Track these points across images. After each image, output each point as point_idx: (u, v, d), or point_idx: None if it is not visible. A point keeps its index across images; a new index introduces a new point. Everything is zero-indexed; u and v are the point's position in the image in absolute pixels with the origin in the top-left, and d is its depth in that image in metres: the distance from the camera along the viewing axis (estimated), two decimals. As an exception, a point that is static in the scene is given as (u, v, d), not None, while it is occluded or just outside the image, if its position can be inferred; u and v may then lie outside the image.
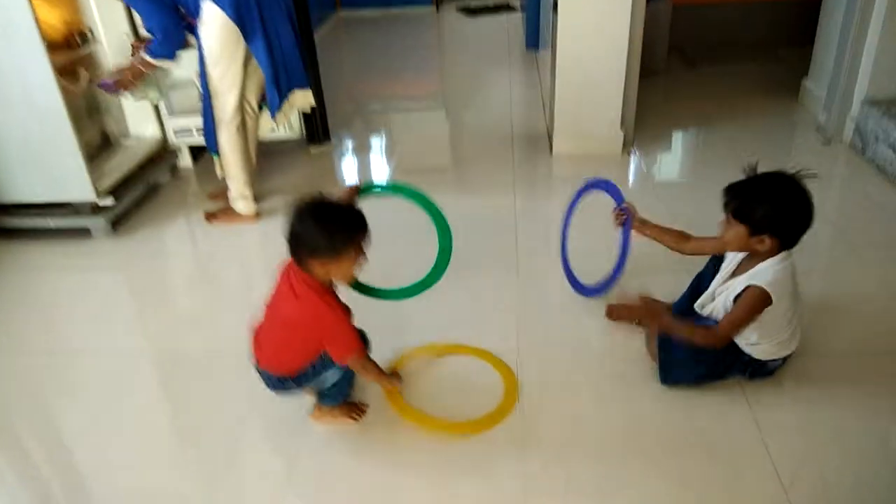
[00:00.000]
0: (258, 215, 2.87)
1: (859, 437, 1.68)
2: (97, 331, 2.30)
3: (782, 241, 1.63)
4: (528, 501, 1.56)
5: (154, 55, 2.55)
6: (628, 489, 1.58)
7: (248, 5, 2.43)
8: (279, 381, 1.66)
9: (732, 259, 1.78)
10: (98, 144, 3.11)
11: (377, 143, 3.90)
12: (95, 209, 2.81)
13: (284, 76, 2.63)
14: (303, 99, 2.79)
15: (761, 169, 1.67)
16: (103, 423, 1.88)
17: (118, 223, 2.92)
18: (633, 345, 2.01)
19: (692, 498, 1.55)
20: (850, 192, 2.90)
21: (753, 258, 1.69)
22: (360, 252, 1.55)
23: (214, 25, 2.45)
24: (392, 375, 1.85)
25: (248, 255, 2.75)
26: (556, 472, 1.62)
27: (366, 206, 1.68)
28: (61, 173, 2.70)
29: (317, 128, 3.54)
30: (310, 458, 1.71)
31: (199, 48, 2.51)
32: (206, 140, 2.75)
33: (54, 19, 2.86)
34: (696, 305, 1.85)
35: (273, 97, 2.63)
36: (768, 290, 1.63)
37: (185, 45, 2.61)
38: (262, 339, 1.66)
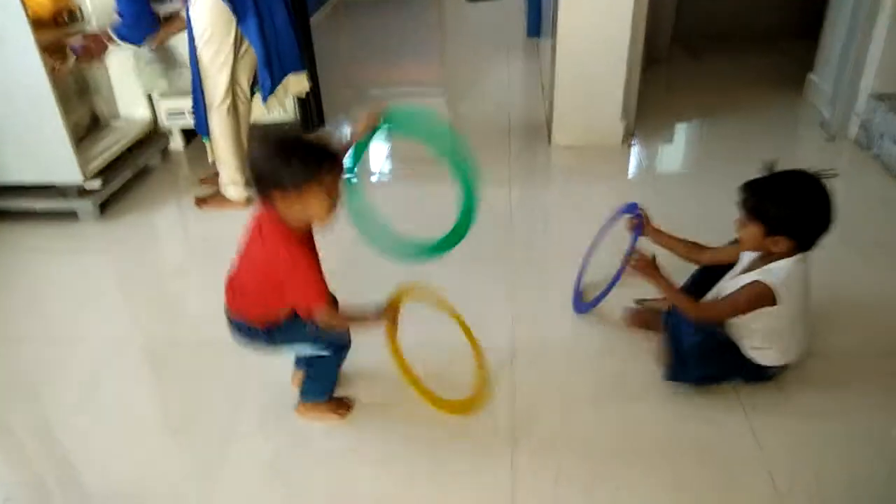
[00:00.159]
0: (249, 201, 2.81)
1: (857, 443, 1.63)
2: (82, 316, 2.26)
3: (798, 242, 1.57)
4: (517, 498, 1.53)
5: (121, 37, 2.54)
6: (619, 490, 1.54)
7: None
8: (249, 333, 1.58)
9: (745, 257, 1.72)
10: (87, 125, 3.05)
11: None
12: (82, 192, 2.75)
13: (277, 59, 2.57)
14: (297, 83, 2.73)
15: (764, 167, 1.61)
16: (89, 410, 1.85)
17: (106, 206, 2.87)
18: (630, 345, 1.97)
19: (685, 502, 1.51)
20: (854, 189, 2.83)
21: (767, 258, 1.63)
22: (329, 190, 1.40)
23: (205, 5, 2.39)
24: (384, 312, 1.58)
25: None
26: (546, 470, 1.59)
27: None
28: (48, 155, 2.64)
29: (311, 113, 3.47)
30: (299, 449, 1.68)
31: (189, 28, 2.45)
32: (197, 123, 2.69)
33: (42, -4, 2.79)
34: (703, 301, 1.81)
35: (265, 80, 2.57)
36: (775, 289, 1.57)
37: (154, 32, 2.59)
38: (233, 285, 1.58)
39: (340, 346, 1.65)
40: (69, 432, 1.80)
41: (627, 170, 3.15)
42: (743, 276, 1.67)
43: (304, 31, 3.25)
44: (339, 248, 2.49)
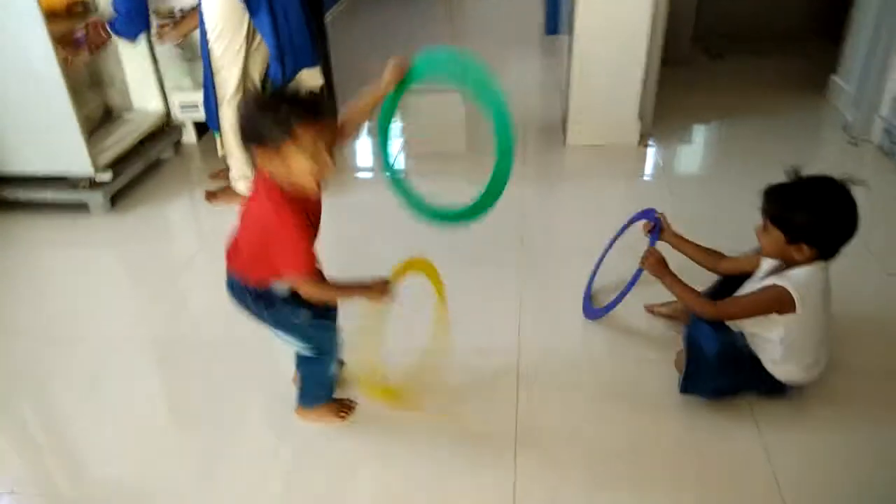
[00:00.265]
0: (259, 196, 2.79)
1: (871, 461, 1.58)
2: (90, 309, 2.25)
3: (820, 250, 1.52)
4: (518, 503, 1.51)
5: (115, 32, 2.56)
6: (621, 500, 1.51)
7: None
8: (239, 292, 1.52)
9: (765, 264, 1.67)
10: (99, 117, 3.04)
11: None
12: (93, 184, 2.75)
13: (290, 53, 2.54)
14: (310, 78, 2.70)
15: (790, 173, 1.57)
16: (94, 404, 1.85)
17: (117, 199, 2.86)
18: (639, 351, 1.93)
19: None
20: (876, 195, 2.74)
21: (788, 266, 1.58)
22: (311, 149, 1.30)
23: None
24: (376, 282, 1.50)
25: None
26: (549, 476, 1.57)
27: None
28: (59, 146, 2.64)
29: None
30: (301, 449, 1.68)
31: (202, 21, 2.43)
32: (207, 117, 2.67)
33: (56, -13, 2.78)
34: None
35: (277, 74, 2.55)
36: (794, 294, 1.52)
37: (148, 28, 2.63)
38: (233, 240, 1.52)
39: (325, 351, 1.60)
40: (74, 425, 1.79)
41: (643, 171, 3.09)
42: (761, 282, 1.62)
43: (319, 26, 3.22)
44: (346, 244, 2.49)
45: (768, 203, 1.56)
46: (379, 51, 5.04)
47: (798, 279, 1.54)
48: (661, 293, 1.99)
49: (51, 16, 2.65)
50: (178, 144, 3.34)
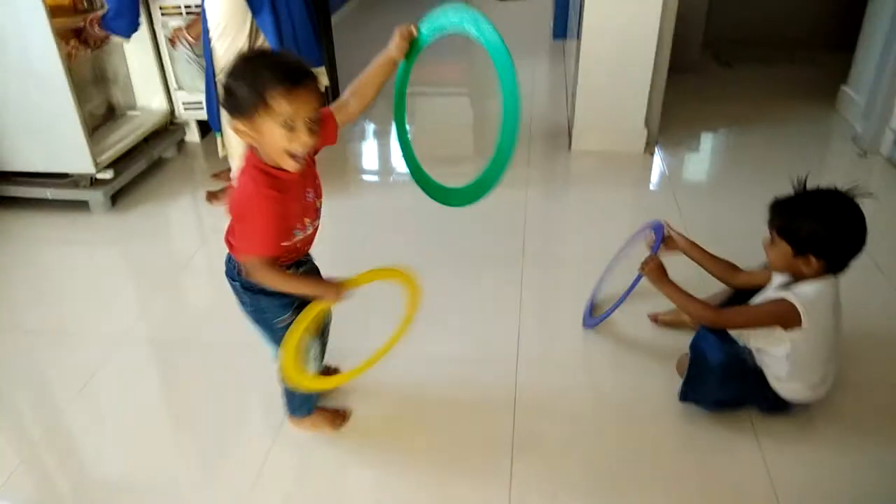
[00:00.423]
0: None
1: (875, 480, 1.54)
2: (88, 308, 2.24)
3: (828, 263, 1.50)
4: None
5: (107, 28, 2.55)
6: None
7: None
8: (230, 266, 1.44)
9: (776, 279, 1.64)
10: (102, 115, 3.02)
11: (388, 128, 3.77)
12: (94, 182, 2.73)
13: (294, 53, 2.52)
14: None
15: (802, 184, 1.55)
16: (93, 402, 1.84)
17: (118, 197, 2.85)
18: (641, 361, 1.90)
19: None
20: (885, 208, 2.72)
21: (797, 280, 1.56)
22: (290, 118, 1.19)
23: None
24: (330, 283, 1.40)
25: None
26: (546, 486, 1.54)
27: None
28: (60, 143, 2.63)
29: (328, 109, 3.42)
30: (298, 453, 1.65)
31: (204, 20, 2.41)
32: (209, 117, 2.65)
33: (62, -18, 2.77)
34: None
35: (279, 74, 2.53)
36: (800, 308, 1.49)
37: (137, 25, 2.61)
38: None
39: (272, 330, 1.50)
40: (73, 424, 1.78)
41: (649, 179, 3.06)
42: (770, 296, 1.60)
43: (325, 26, 3.21)
44: (350, 247, 2.47)
45: (775, 215, 1.54)
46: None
47: (805, 294, 1.51)
48: (664, 302, 1.97)
49: (56, 11, 2.64)
50: (181, 143, 3.33)
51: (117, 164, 2.81)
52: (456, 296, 2.20)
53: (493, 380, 1.85)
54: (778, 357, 1.59)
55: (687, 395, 1.69)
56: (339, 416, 1.69)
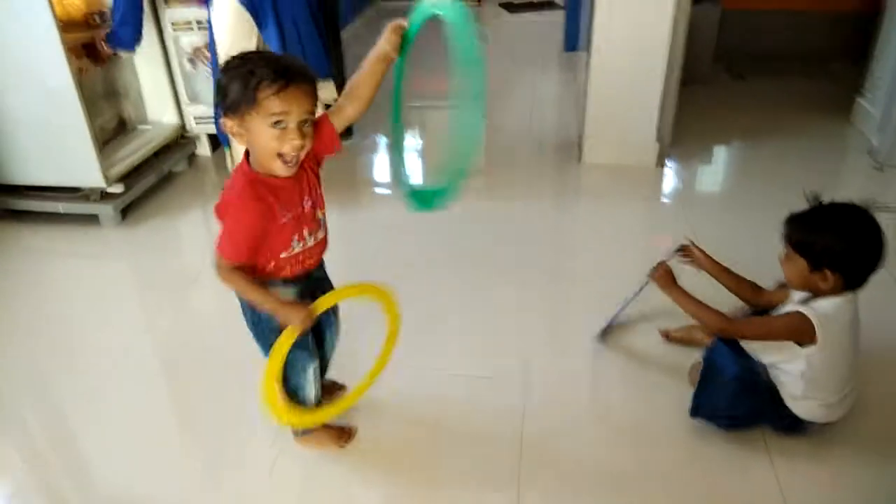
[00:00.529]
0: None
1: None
2: (96, 321, 2.24)
3: (846, 278, 1.46)
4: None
5: (112, 43, 2.60)
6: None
7: None
8: None
9: (795, 296, 1.60)
10: (113, 129, 3.04)
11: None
12: (104, 196, 2.74)
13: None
14: (324, 91, 2.67)
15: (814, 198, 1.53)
16: (99, 414, 1.83)
17: (128, 211, 2.85)
18: (652, 377, 1.86)
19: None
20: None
21: (815, 296, 1.53)
22: (279, 118, 1.17)
23: (226, 10, 2.36)
24: (294, 306, 1.36)
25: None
26: (553, 501, 1.52)
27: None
28: (71, 157, 2.64)
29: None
30: (303, 466, 1.64)
31: (211, 35, 2.42)
32: (218, 131, 2.66)
33: (75, -3, 2.79)
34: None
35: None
36: (815, 322, 1.46)
37: (141, 36, 2.66)
38: None
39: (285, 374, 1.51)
40: (79, 434, 1.78)
41: (660, 193, 3.03)
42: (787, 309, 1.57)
43: (334, 40, 3.21)
44: (360, 260, 2.45)
45: (790, 229, 1.52)
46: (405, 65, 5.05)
47: (822, 309, 1.48)
48: (676, 318, 1.94)
49: (69, 25, 2.67)
50: (192, 157, 3.34)
51: (128, 178, 2.82)
52: (464, 310, 2.18)
53: (501, 397, 1.82)
54: (792, 374, 1.55)
55: (698, 409, 1.66)
56: (343, 434, 1.67)
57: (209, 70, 2.86)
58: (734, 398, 1.61)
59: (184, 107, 3.19)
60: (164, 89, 3.13)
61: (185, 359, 2.05)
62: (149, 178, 2.95)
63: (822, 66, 4.44)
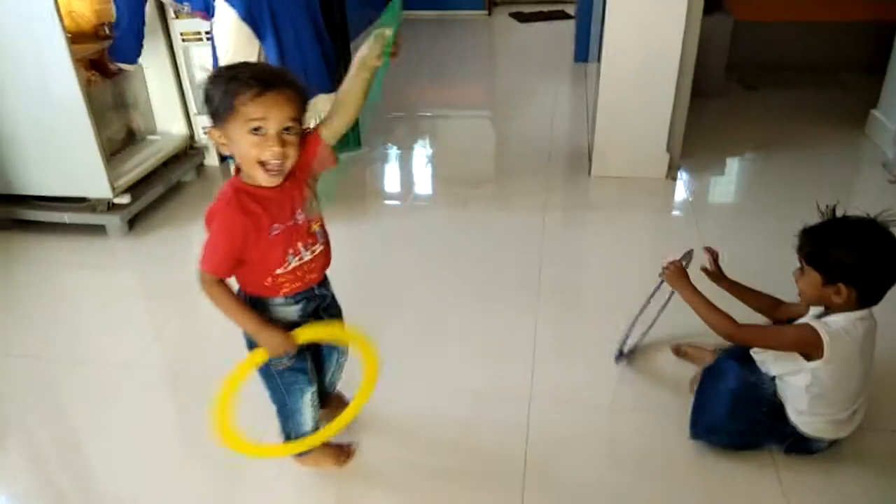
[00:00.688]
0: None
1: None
2: (101, 331, 2.23)
3: (861, 293, 1.43)
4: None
5: (112, 56, 2.64)
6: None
7: (260, 4, 2.33)
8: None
9: (812, 312, 1.57)
10: (122, 139, 3.04)
11: (410, 152, 3.76)
12: (111, 207, 2.74)
13: (301, 78, 2.52)
14: (326, 104, 2.66)
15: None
16: (105, 426, 1.83)
17: (136, 222, 2.85)
18: (660, 398, 1.82)
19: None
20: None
21: (829, 311, 1.50)
22: (259, 125, 1.15)
23: (226, 24, 2.38)
24: (275, 331, 1.34)
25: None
26: None
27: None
28: (78, 168, 2.64)
29: (347, 133, 3.41)
30: (308, 480, 1.63)
31: (213, 47, 2.43)
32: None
33: (85, 9, 2.80)
34: (752, 350, 1.67)
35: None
36: (823, 336, 1.43)
37: (141, 47, 2.70)
38: None
39: (279, 402, 1.51)
40: (85, 445, 1.78)
41: (671, 205, 2.99)
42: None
43: (343, 52, 3.20)
44: (368, 272, 2.43)
45: (804, 242, 1.50)
46: (413, 80, 5.04)
47: (834, 324, 1.45)
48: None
49: (78, 37, 2.68)
50: (200, 167, 3.34)
51: (135, 188, 2.82)
52: (469, 324, 2.15)
53: (505, 415, 1.79)
54: (798, 388, 1.52)
55: (696, 428, 1.64)
56: (342, 453, 1.64)
57: None
58: (731, 411, 1.59)
59: (193, 117, 3.20)
60: (174, 100, 3.13)
61: (190, 370, 2.04)
62: (157, 189, 2.94)
63: (835, 77, 4.39)
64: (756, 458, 1.61)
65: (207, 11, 2.42)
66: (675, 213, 2.94)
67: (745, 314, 1.61)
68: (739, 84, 4.38)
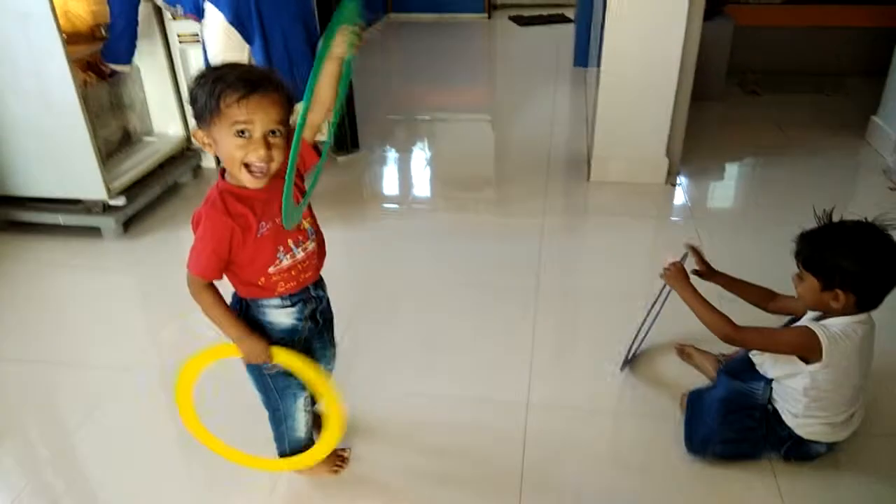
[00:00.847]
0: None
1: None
2: (96, 335, 2.21)
3: (859, 298, 1.42)
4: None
5: (105, 58, 2.63)
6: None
7: (248, 8, 2.34)
8: (232, 295, 1.41)
9: (809, 315, 1.57)
10: (118, 140, 3.02)
11: (409, 155, 3.74)
12: (107, 208, 2.72)
13: (289, 82, 2.51)
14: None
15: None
16: (99, 429, 1.81)
17: (131, 223, 2.83)
18: (660, 409, 1.80)
19: None
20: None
21: (827, 316, 1.49)
22: (243, 127, 1.14)
23: (215, 27, 2.39)
24: (258, 341, 1.34)
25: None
26: None
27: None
28: (73, 170, 2.62)
29: (345, 135, 3.40)
30: (304, 486, 1.61)
31: (204, 50, 2.42)
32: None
33: (81, 10, 2.79)
34: (752, 353, 1.66)
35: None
36: (822, 340, 1.42)
37: (135, 48, 2.69)
38: None
39: (272, 407, 1.50)
40: (80, 448, 1.76)
41: (670, 211, 2.97)
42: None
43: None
44: (366, 277, 2.42)
45: (801, 247, 1.49)
46: (412, 83, 5.04)
47: (833, 327, 1.45)
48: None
49: (74, 38, 2.66)
50: (197, 169, 3.32)
51: (131, 189, 2.80)
52: (466, 330, 2.13)
53: (502, 422, 1.78)
54: (795, 390, 1.52)
55: (691, 441, 1.63)
56: (337, 460, 1.62)
57: None
58: (722, 419, 1.58)
59: (189, 118, 3.18)
60: (170, 101, 3.12)
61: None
62: (153, 190, 2.93)
63: (836, 82, 4.38)
64: (754, 465, 1.60)
65: (198, 14, 2.42)
66: (674, 218, 2.93)
67: (744, 318, 1.59)
68: (740, 89, 4.38)
